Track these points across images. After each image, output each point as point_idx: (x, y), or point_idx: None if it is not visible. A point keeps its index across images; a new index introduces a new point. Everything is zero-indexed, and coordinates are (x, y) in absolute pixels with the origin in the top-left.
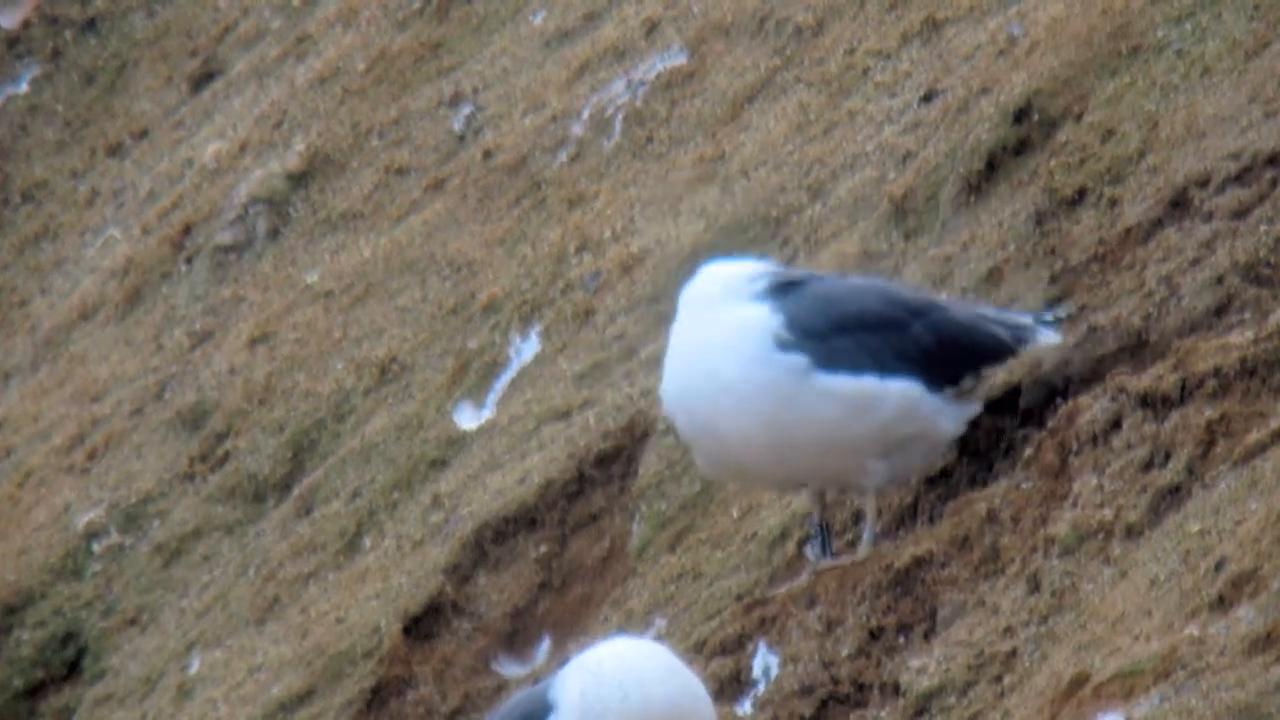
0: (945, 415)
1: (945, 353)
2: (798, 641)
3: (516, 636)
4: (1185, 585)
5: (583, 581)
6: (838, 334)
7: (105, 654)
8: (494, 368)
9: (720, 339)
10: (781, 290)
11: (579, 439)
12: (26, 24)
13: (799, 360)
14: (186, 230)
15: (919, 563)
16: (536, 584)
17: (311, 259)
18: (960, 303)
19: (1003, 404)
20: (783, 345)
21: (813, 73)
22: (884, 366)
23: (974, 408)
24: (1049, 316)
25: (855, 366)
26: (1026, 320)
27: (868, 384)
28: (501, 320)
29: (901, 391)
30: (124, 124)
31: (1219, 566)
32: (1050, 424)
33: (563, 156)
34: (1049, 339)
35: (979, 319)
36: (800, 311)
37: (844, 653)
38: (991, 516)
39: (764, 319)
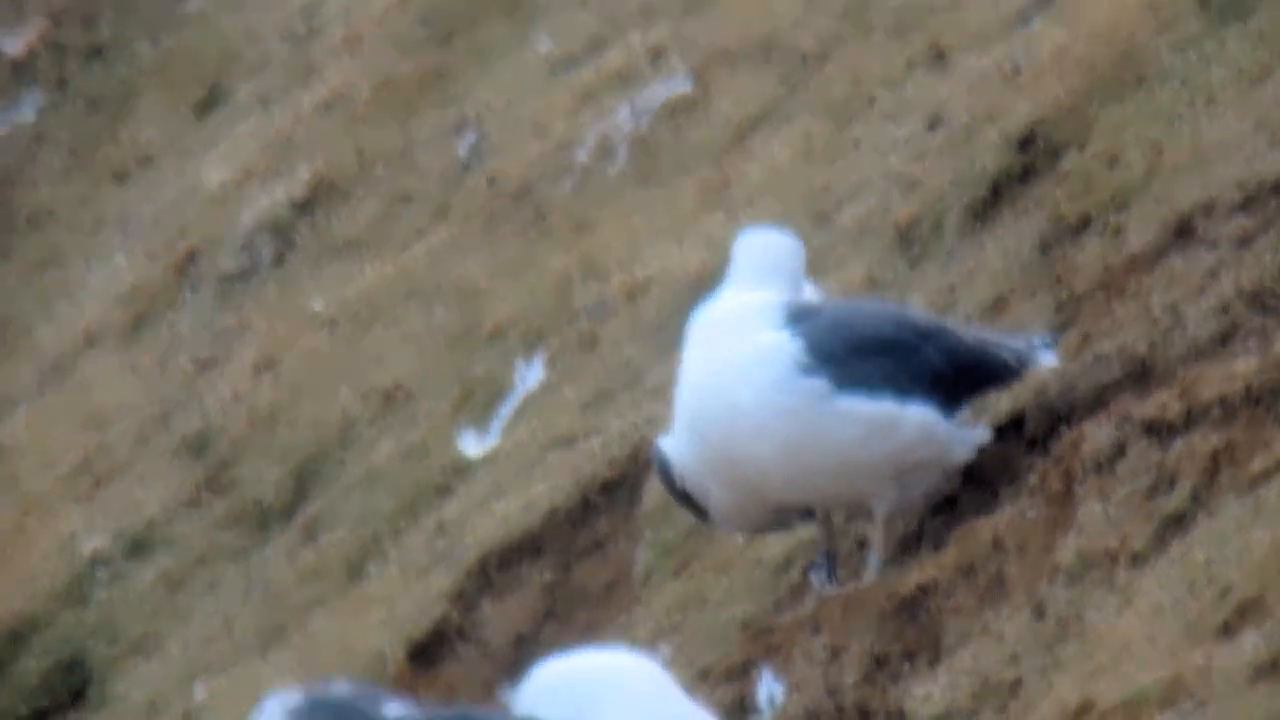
0: (957, 441)
1: (955, 376)
2: (802, 668)
3: (521, 663)
4: (1190, 613)
5: (588, 608)
6: (856, 357)
7: (110, 681)
8: (499, 395)
9: (739, 365)
10: (798, 317)
11: (584, 466)
12: (32, 51)
13: (820, 384)
14: (191, 257)
15: (924, 590)
16: (541, 611)
17: (316, 286)
18: (963, 326)
19: (1008, 431)
20: (804, 369)
21: (818, 100)
22: (900, 390)
23: (984, 435)
24: (1045, 339)
25: (873, 390)
26: (1023, 344)
27: (886, 407)
28: (507, 347)
29: (919, 415)
30: (129, 151)
31: (1224, 594)
32: (1055, 451)
33: (568, 183)
34: (1048, 361)
35: (984, 342)
36: (819, 336)
37: (849, 680)
38: (996, 544)
39: (784, 343)
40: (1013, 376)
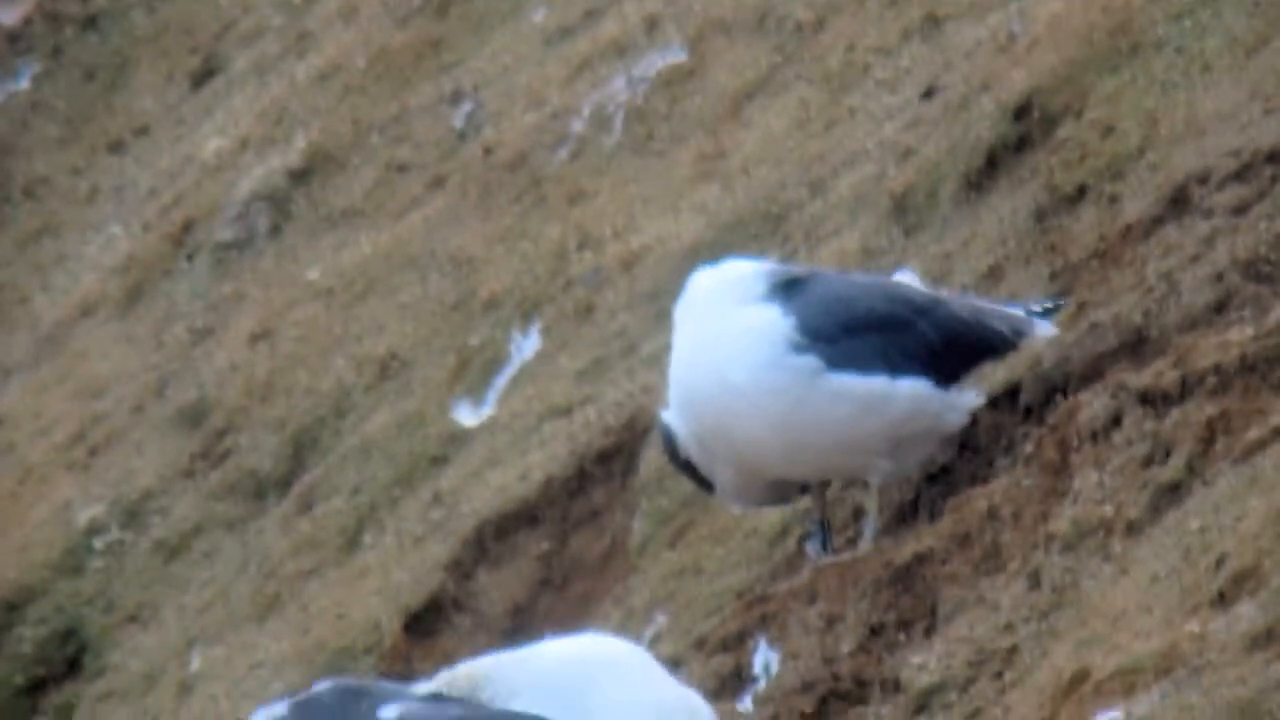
0: (952, 410)
1: (950, 350)
2: (798, 638)
3: (518, 633)
4: (1186, 582)
5: (584, 578)
6: (848, 335)
7: (106, 650)
8: (495, 364)
9: (731, 343)
10: (789, 290)
11: (580, 435)
12: (28, 20)
13: (811, 362)
14: (187, 227)
15: (920, 559)
16: (537, 581)
17: (312, 255)
18: (959, 298)
19: (1003, 400)
20: (795, 348)
21: (813, 69)
22: (893, 366)
23: (976, 398)
24: (1040, 306)
25: (865, 367)
26: (1021, 313)
27: (878, 383)
28: (502, 317)
29: (911, 390)
30: (125, 120)
31: (1219, 563)
32: (1051, 420)
33: (563, 153)
34: (1044, 330)
35: (980, 314)
36: (811, 313)
37: (844, 649)
38: (992, 513)
39: (776, 321)
40: (1009, 348)
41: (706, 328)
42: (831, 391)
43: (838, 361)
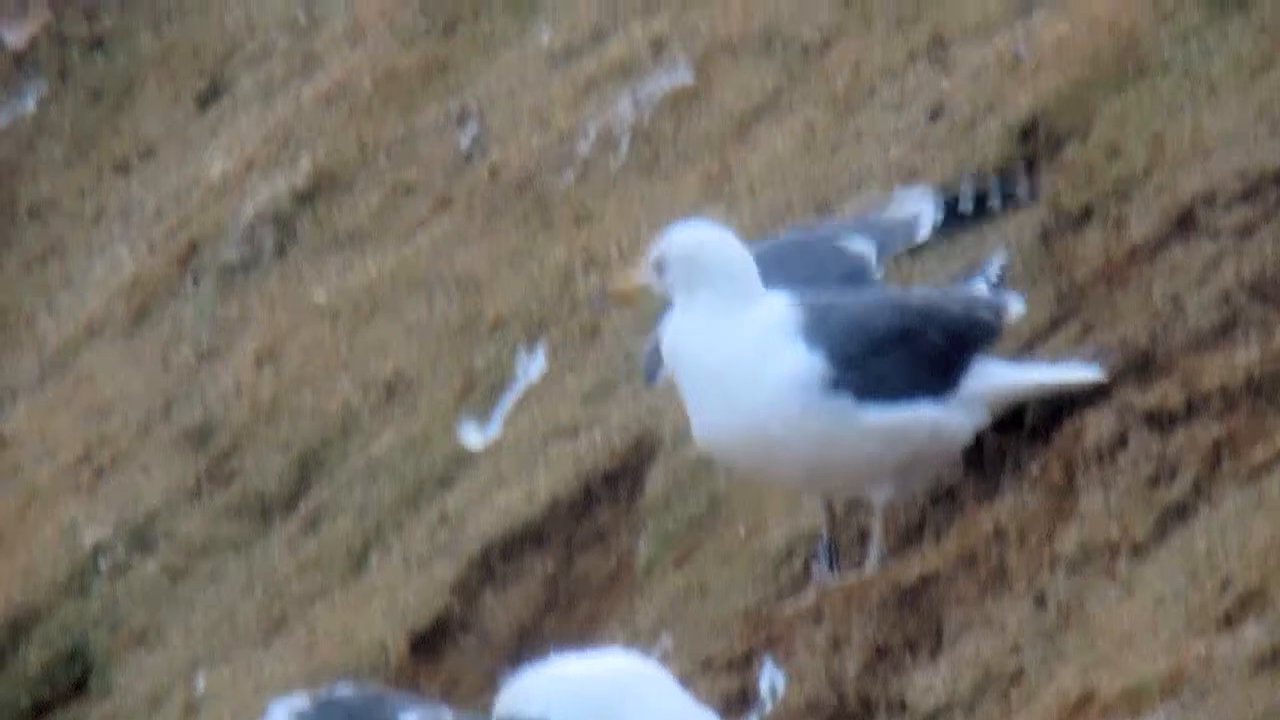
0: (963, 431)
1: (954, 351)
2: (804, 659)
3: (524, 654)
4: (1192, 603)
5: (590, 599)
6: (873, 358)
7: (112, 672)
8: (501, 386)
9: (759, 384)
10: (812, 324)
11: (586, 457)
12: (33, 42)
13: (844, 403)
14: (193, 248)
15: (925, 580)
16: (543, 602)
17: (318, 277)
18: (937, 291)
19: (1009, 421)
20: (826, 387)
21: (819, 91)
22: (914, 383)
23: (984, 418)
24: (994, 277)
25: (892, 394)
26: (984, 292)
27: (903, 415)
28: (508, 338)
29: (930, 417)
30: (131, 142)
31: (1226, 585)
32: (1056, 441)
33: (569, 174)
34: (1016, 306)
35: (966, 305)
36: (836, 345)
37: (851, 670)
38: (998, 534)
39: (804, 361)
40: (996, 335)
41: (733, 376)
42: (862, 429)
43: (866, 394)
